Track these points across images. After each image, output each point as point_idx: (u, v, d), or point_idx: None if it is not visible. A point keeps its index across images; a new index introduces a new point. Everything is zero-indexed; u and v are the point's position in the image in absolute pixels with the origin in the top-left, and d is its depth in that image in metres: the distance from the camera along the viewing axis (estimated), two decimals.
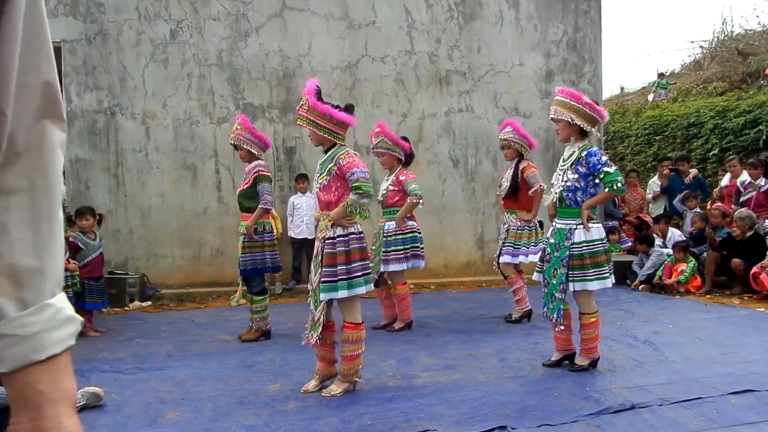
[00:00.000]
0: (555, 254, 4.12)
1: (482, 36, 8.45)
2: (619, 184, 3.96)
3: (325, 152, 3.86)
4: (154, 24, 7.57)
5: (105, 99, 7.50)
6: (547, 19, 8.64)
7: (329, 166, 3.77)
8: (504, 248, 5.75)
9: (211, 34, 7.71)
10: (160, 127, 7.63)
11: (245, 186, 5.21)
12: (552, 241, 4.16)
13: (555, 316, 4.12)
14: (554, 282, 4.11)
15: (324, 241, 3.74)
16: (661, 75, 16.73)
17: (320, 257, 3.74)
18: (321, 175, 3.80)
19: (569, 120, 4.07)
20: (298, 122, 3.88)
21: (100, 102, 7.49)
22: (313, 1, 7.93)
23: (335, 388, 3.79)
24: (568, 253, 4.04)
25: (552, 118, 4.22)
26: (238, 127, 5.23)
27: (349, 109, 3.87)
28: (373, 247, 5.54)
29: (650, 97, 15.91)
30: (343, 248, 3.72)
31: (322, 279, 3.70)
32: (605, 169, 3.97)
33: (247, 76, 7.82)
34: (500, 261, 5.80)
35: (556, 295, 4.10)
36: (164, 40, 7.60)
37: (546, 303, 4.19)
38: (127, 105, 7.54)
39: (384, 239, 5.46)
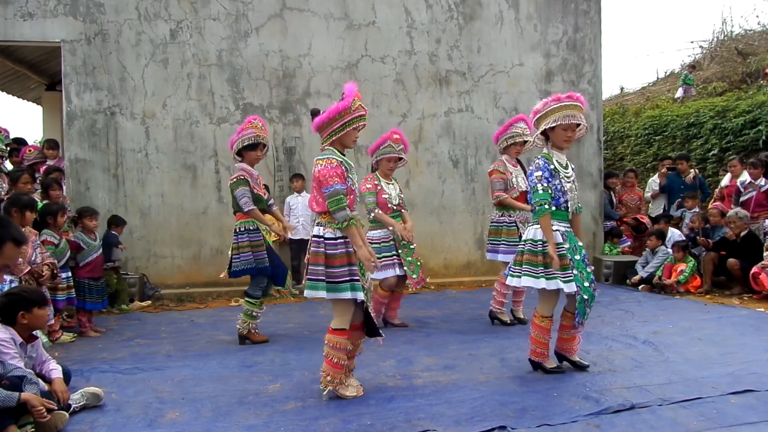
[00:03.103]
0: (576, 257, 3.98)
1: (482, 36, 8.45)
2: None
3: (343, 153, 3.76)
4: (154, 24, 7.57)
5: (105, 99, 7.50)
6: (547, 19, 8.64)
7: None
8: (508, 247, 5.64)
9: (211, 34, 7.71)
10: (160, 127, 7.63)
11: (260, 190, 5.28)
12: (567, 246, 3.97)
13: (584, 318, 4.02)
14: (586, 285, 3.95)
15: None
16: (691, 67, 14.95)
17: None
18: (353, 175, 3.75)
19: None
20: (363, 122, 3.71)
21: (99, 102, 7.49)
22: (313, 2, 7.93)
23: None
24: (584, 252, 4.06)
25: (576, 124, 3.96)
26: (263, 127, 5.27)
27: (315, 113, 3.80)
28: (401, 252, 5.51)
29: (678, 93, 14.40)
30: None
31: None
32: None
33: (247, 76, 7.82)
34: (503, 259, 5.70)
35: (585, 296, 3.93)
36: (164, 40, 7.60)
37: (581, 312, 3.96)
38: (127, 105, 7.54)
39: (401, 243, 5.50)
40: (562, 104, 3.92)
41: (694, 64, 15.52)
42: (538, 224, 4.01)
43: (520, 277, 4.05)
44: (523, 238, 4.18)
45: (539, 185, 3.94)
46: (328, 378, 3.68)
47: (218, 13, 7.71)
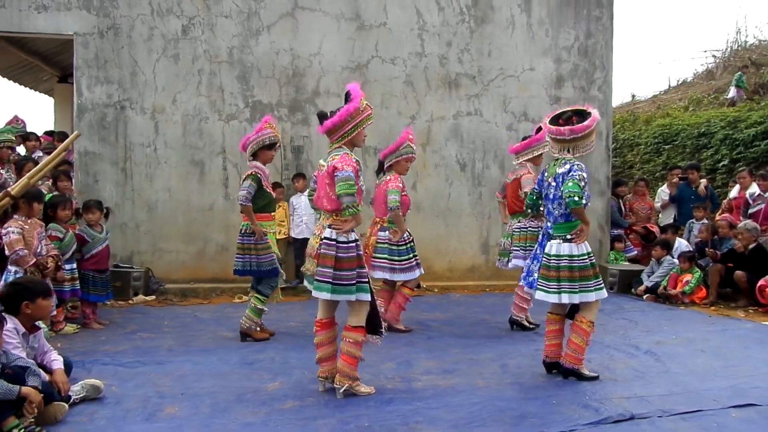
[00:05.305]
0: None
1: (493, 40, 8.43)
2: None
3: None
4: (167, 19, 7.60)
5: (115, 93, 7.54)
6: (559, 24, 8.61)
7: None
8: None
9: (223, 31, 7.73)
10: (169, 123, 7.66)
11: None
12: None
13: None
14: None
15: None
16: (744, 67, 14.02)
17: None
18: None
19: None
20: (371, 121, 3.81)
21: (110, 96, 7.53)
22: (324, 1, 7.94)
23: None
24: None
25: None
26: (276, 127, 5.34)
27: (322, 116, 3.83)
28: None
29: (731, 93, 13.35)
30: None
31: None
32: None
33: (257, 74, 7.84)
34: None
35: None
36: (176, 35, 7.63)
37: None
38: (137, 99, 7.58)
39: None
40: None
41: (746, 63, 14.35)
42: (573, 240, 4.02)
43: (575, 293, 4.00)
44: (557, 253, 4.04)
45: (583, 183, 3.97)
46: (346, 375, 3.73)
47: (230, 10, 7.73)
